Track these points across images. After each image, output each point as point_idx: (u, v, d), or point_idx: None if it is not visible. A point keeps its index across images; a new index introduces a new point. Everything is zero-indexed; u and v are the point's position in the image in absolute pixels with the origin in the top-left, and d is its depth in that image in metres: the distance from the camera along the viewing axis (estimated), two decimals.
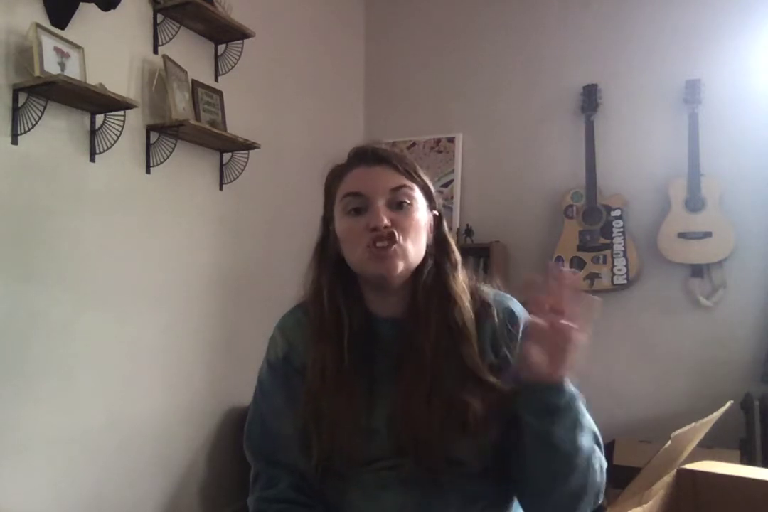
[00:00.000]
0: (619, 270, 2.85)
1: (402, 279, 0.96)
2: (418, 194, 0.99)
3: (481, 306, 0.99)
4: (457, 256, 1.02)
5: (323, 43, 3.23)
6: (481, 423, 0.91)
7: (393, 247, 0.93)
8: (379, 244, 0.93)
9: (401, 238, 0.94)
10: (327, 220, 1.03)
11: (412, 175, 0.99)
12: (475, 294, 1.01)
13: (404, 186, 0.97)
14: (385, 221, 0.93)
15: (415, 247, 0.96)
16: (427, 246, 0.99)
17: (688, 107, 2.85)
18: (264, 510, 0.98)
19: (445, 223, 1.04)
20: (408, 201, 0.96)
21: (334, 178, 1.01)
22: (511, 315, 1.00)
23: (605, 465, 0.92)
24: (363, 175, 0.97)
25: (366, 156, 0.99)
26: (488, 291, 1.04)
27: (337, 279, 1.00)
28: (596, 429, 0.92)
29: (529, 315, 1.02)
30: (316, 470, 0.96)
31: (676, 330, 2.86)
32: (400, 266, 0.94)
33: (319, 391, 0.96)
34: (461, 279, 1.00)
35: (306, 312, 1.05)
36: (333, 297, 0.99)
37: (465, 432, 0.91)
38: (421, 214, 0.98)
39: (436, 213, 1.03)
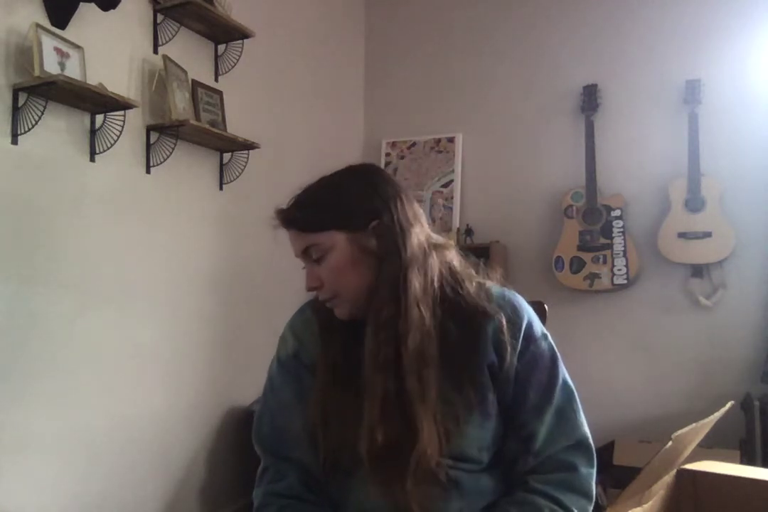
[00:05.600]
0: (619, 270, 2.85)
1: (363, 310, 0.97)
2: (330, 238, 0.96)
3: (486, 303, 0.99)
4: (410, 250, 0.95)
5: (323, 43, 3.23)
6: (475, 422, 0.95)
7: (330, 301, 0.99)
8: (324, 303, 1.00)
9: (331, 291, 0.98)
10: None
11: (316, 226, 0.98)
12: (479, 291, 1.01)
13: (309, 246, 0.98)
14: (312, 284, 1.00)
15: (348, 287, 0.98)
16: (379, 258, 0.96)
17: (688, 107, 2.85)
18: (270, 504, 0.99)
19: (390, 222, 0.96)
20: (320, 255, 0.98)
21: None
22: (515, 312, 1.00)
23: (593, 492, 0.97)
24: (289, 239, 1.02)
25: (280, 222, 1.01)
26: (495, 288, 1.04)
27: None
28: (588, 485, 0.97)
29: (533, 314, 1.03)
30: (323, 465, 0.98)
31: (676, 330, 2.86)
32: (346, 310, 0.99)
33: (329, 388, 0.97)
34: (419, 281, 0.95)
35: (315, 311, 1.07)
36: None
37: (458, 431, 0.93)
38: (342, 255, 0.96)
39: (375, 223, 0.96)
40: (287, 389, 1.05)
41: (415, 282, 0.94)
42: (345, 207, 0.98)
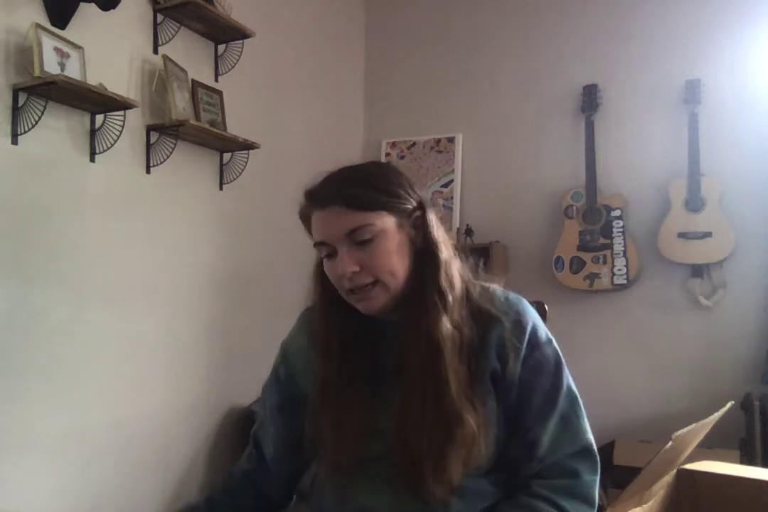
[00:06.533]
0: (619, 270, 2.85)
1: (392, 305, 0.96)
2: (381, 220, 0.94)
3: (490, 310, 0.98)
4: (443, 255, 0.97)
5: (323, 43, 3.23)
6: (478, 431, 0.93)
7: (367, 289, 0.94)
8: (356, 291, 0.94)
9: (374, 276, 0.93)
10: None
11: (369, 204, 0.94)
12: (484, 294, 1.00)
13: (359, 226, 0.92)
14: (351, 269, 0.92)
15: (395, 273, 0.94)
16: (416, 250, 0.97)
17: (688, 107, 2.85)
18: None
19: (431, 217, 0.99)
20: (369, 237, 0.92)
21: (304, 218, 1.01)
22: (519, 316, 0.99)
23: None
24: (321, 221, 0.96)
25: (317, 199, 0.96)
26: (499, 292, 1.03)
27: (336, 294, 1.00)
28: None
29: (538, 318, 1.03)
30: (328, 468, 1.00)
31: (676, 330, 2.86)
32: (382, 302, 0.95)
33: (324, 401, 0.99)
34: (450, 281, 0.97)
35: (308, 322, 1.10)
36: (332, 314, 1.01)
37: (455, 440, 0.92)
38: (391, 239, 0.94)
39: (418, 213, 0.98)
40: (269, 401, 1.12)
41: (457, 277, 0.97)
42: (396, 190, 0.96)
